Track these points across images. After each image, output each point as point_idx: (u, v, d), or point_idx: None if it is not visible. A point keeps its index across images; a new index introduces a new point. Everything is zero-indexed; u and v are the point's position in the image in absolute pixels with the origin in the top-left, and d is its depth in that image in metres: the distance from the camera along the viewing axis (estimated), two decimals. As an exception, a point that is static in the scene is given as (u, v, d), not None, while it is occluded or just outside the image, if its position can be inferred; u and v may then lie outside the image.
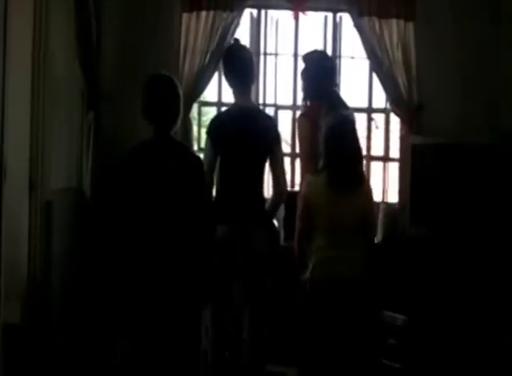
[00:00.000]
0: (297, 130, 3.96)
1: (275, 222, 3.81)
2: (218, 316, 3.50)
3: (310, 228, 3.42)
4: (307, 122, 3.74)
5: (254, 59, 4.86)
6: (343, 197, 3.35)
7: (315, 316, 3.39)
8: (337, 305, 3.34)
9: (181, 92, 3.15)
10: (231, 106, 3.69)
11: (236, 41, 3.73)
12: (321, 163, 3.43)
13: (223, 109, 4.76)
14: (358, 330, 3.42)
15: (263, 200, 3.58)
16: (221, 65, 3.86)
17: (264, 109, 4.96)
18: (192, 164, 3.13)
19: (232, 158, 3.46)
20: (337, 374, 3.42)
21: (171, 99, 3.10)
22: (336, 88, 4.02)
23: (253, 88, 4.86)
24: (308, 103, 3.90)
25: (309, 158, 3.71)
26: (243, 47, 3.66)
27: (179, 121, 3.18)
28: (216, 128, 3.50)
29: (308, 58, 3.95)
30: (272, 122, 3.66)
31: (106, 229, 3.15)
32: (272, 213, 3.59)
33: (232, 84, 3.57)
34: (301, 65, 4.05)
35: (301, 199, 3.48)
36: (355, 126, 3.43)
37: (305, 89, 3.91)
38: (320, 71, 3.82)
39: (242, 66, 3.50)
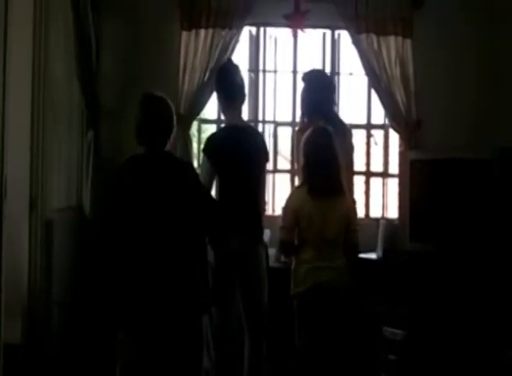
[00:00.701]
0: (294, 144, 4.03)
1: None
2: (219, 328, 3.54)
3: (293, 240, 3.51)
4: (301, 137, 3.79)
5: (253, 76, 4.97)
6: (325, 207, 3.46)
7: (309, 329, 3.44)
8: (328, 314, 3.45)
9: (173, 110, 3.14)
10: (225, 125, 3.81)
11: (229, 60, 3.79)
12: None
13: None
14: (351, 336, 3.62)
15: (260, 215, 3.67)
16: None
17: (263, 125, 5.00)
18: (187, 173, 3.13)
19: (230, 175, 3.53)
20: None
21: (162, 116, 3.10)
22: (335, 107, 4.06)
23: (252, 104, 4.95)
24: (306, 119, 3.94)
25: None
26: (235, 66, 3.70)
27: (171, 139, 3.16)
28: (212, 145, 3.58)
29: (306, 77, 4.02)
30: (262, 138, 3.78)
31: (105, 245, 3.16)
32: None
33: (222, 102, 3.64)
34: (301, 84, 4.09)
35: (286, 211, 3.56)
36: (331, 137, 3.54)
37: (303, 107, 3.96)
38: (318, 89, 3.87)
39: (232, 86, 3.57)
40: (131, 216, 2.99)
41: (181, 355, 3.01)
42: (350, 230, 3.54)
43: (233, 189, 3.53)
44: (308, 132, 3.59)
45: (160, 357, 2.95)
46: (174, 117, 3.15)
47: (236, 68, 3.67)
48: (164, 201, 3.00)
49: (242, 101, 3.63)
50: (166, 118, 3.10)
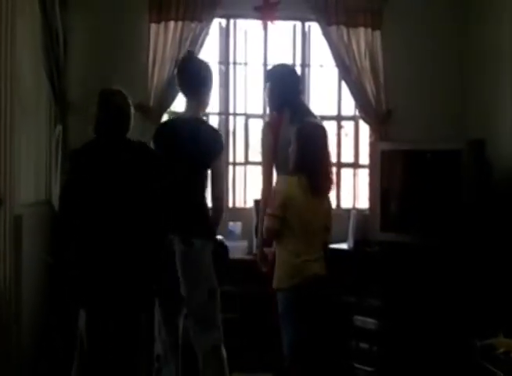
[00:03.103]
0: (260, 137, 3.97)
1: (220, 237, 3.73)
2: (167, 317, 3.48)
3: (279, 229, 3.42)
4: (269, 130, 3.77)
5: (224, 68, 4.96)
6: (315, 203, 3.43)
7: (307, 320, 3.42)
8: (319, 305, 3.45)
9: (130, 103, 3.24)
10: (175, 116, 3.76)
11: (190, 52, 3.74)
12: (290, 167, 3.47)
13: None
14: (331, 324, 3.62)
15: (203, 212, 3.45)
16: None
17: (235, 118, 5.00)
18: (146, 160, 3.23)
19: (170, 168, 3.40)
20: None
21: (117, 110, 3.23)
22: (300, 96, 4.01)
23: (223, 97, 4.94)
24: (274, 113, 3.92)
25: (269, 164, 3.77)
26: (195, 59, 3.62)
27: (129, 130, 3.26)
28: (158, 135, 3.51)
29: (269, 73, 4.00)
30: (215, 136, 3.50)
31: (63, 225, 3.26)
32: (212, 229, 3.47)
33: (182, 94, 3.59)
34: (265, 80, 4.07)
35: (279, 196, 3.44)
36: (327, 134, 3.52)
37: (270, 103, 3.93)
38: (282, 82, 3.83)
39: (190, 78, 3.48)
40: (85, 197, 3.12)
41: (129, 340, 3.19)
42: (325, 228, 3.53)
43: (173, 183, 3.39)
44: (303, 126, 3.49)
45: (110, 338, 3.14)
46: (132, 111, 3.25)
47: (190, 60, 3.58)
48: (116, 183, 3.13)
49: (193, 93, 3.49)
50: (121, 112, 3.23)
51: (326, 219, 3.51)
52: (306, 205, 3.39)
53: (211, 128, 3.57)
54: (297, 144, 3.43)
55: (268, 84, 3.91)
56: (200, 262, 3.35)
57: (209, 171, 3.44)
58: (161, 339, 3.48)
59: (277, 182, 3.67)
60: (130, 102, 3.24)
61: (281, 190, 3.48)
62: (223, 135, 3.63)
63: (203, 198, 3.47)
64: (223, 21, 4.95)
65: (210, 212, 3.46)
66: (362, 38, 4.81)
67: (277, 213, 3.40)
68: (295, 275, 3.40)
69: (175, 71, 3.62)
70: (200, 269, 3.36)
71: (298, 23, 5.01)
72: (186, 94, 3.53)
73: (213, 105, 4.98)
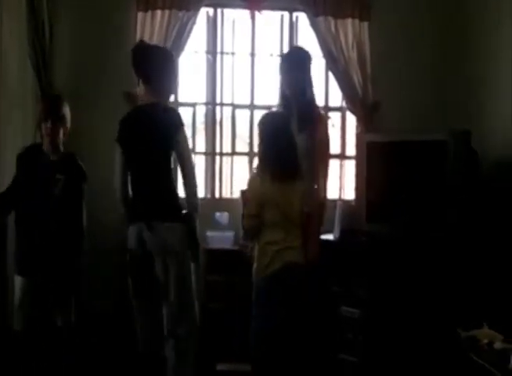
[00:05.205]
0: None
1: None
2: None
3: (259, 225, 3.49)
4: None
5: (211, 58, 4.94)
6: (287, 190, 3.48)
7: (271, 308, 3.46)
8: (296, 293, 3.49)
9: None
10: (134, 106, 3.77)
11: (141, 41, 3.73)
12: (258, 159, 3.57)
13: (180, 109, 4.76)
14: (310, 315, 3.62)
15: (168, 195, 3.42)
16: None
17: (221, 108, 4.98)
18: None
19: (131, 156, 3.42)
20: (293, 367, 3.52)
21: None
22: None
23: (210, 87, 4.92)
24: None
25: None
26: (145, 46, 3.56)
27: None
28: (120, 128, 3.49)
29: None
30: (169, 115, 3.40)
31: None
32: (178, 210, 3.40)
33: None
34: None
35: (250, 194, 3.54)
36: (289, 121, 3.60)
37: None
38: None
39: (141, 65, 3.43)
40: None
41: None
42: (303, 213, 3.56)
43: (136, 172, 3.42)
44: (265, 117, 3.60)
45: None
46: None
47: (145, 46, 3.55)
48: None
49: (143, 80, 3.46)
50: None
51: (301, 203, 3.53)
52: (278, 195, 3.45)
53: (164, 108, 3.45)
54: (259, 136, 3.56)
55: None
56: (163, 245, 3.32)
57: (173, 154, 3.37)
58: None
59: (248, 180, 3.70)
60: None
61: (252, 188, 3.55)
62: (180, 114, 3.46)
63: (169, 181, 3.42)
64: (210, 10, 4.93)
65: (184, 194, 3.40)
66: (349, 30, 4.80)
67: (253, 212, 3.49)
68: (269, 264, 3.47)
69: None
70: (164, 253, 3.33)
71: (286, 14, 5.00)
72: (143, 81, 3.47)
73: (200, 95, 4.99)
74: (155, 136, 3.34)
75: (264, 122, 3.59)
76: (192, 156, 3.55)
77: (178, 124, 3.37)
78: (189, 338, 3.41)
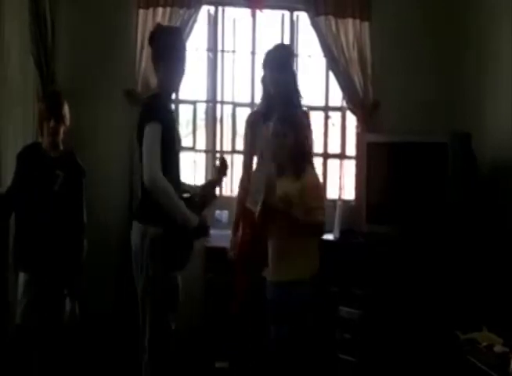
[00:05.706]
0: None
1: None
2: None
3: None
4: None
5: (212, 56, 4.93)
6: (285, 185, 3.41)
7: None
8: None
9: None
10: None
11: (158, 25, 3.68)
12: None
13: (180, 107, 4.75)
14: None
15: (143, 193, 3.23)
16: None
17: (222, 106, 4.98)
18: None
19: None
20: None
21: None
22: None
23: (211, 85, 4.92)
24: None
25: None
26: (159, 30, 3.42)
27: None
28: None
29: None
30: (145, 111, 3.22)
31: None
32: (147, 211, 3.19)
33: None
34: (259, 64, 4.04)
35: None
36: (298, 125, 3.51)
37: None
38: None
39: (153, 52, 3.38)
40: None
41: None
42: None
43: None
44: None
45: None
46: None
47: (156, 32, 3.40)
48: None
49: (155, 68, 3.40)
50: None
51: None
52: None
53: (149, 100, 3.34)
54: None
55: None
56: (135, 245, 3.23)
57: None
58: None
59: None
60: None
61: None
62: (157, 109, 3.18)
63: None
64: (212, 8, 4.92)
65: None
66: (350, 29, 4.80)
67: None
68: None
69: None
70: (136, 254, 3.23)
71: (287, 13, 4.99)
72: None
73: (200, 92, 4.98)
74: (137, 130, 3.24)
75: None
76: (155, 151, 3.07)
77: (148, 118, 3.12)
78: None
